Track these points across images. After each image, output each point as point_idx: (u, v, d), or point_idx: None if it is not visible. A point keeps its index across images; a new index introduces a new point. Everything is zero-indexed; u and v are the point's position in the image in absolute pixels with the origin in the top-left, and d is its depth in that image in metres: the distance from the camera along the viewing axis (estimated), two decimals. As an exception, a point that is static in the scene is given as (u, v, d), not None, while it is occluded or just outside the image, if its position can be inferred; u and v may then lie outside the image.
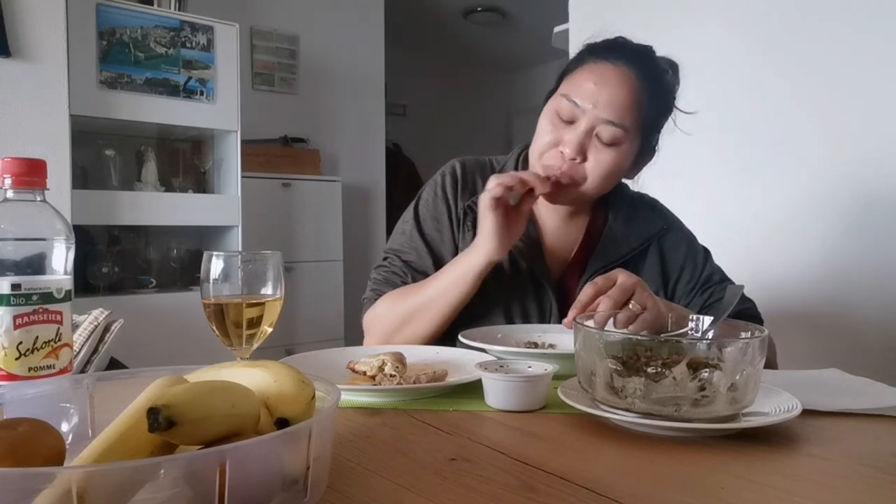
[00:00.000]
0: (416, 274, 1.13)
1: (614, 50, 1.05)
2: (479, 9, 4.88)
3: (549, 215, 1.17)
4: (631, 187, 1.26)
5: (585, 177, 1.05)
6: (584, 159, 1.04)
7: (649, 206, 1.22)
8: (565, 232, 1.17)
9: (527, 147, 1.17)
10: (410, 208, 1.19)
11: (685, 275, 1.16)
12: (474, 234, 1.12)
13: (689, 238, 1.21)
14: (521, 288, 1.12)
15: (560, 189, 1.04)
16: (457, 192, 1.16)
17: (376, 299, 1.12)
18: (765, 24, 1.92)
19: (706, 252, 1.21)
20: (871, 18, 1.68)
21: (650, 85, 1.03)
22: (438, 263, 1.13)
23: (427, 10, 4.93)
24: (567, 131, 1.04)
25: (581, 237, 1.17)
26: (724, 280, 1.18)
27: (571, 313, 0.88)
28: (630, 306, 0.87)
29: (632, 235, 1.14)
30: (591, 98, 1.01)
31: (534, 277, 1.12)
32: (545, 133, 1.06)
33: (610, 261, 1.11)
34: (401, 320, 1.06)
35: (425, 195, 1.19)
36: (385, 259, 1.17)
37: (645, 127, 1.06)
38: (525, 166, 1.18)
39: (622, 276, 0.90)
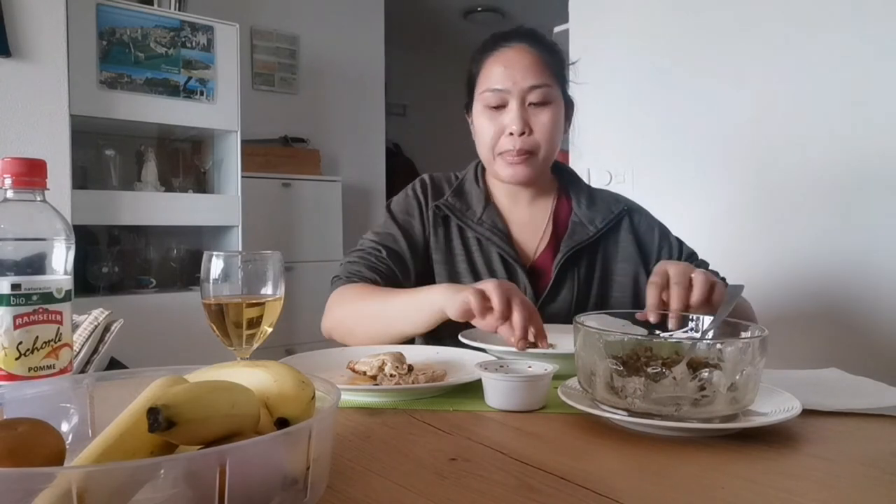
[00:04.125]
0: (391, 253, 1.17)
1: (500, 39, 1.17)
2: (479, 9, 4.88)
3: (511, 205, 1.25)
4: (616, 187, 1.31)
5: (539, 143, 1.15)
6: (531, 130, 1.14)
7: (608, 194, 1.32)
8: (531, 220, 1.25)
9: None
10: (383, 213, 1.26)
11: (664, 254, 1.24)
12: (445, 232, 1.21)
13: (659, 223, 1.29)
14: (494, 274, 1.18)
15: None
16: (427, 195, 1.24)
17: (348, 279, 1.14)
18: (758, 28, 1.92)
19: (679, 238, 1.29)
20: (846, 21, 1.68)
21: (542, 46, 1.16)
22: (412, 245, 1.19)
23: (427, 10, 4.93)
24: (504, 115, 1.14)
25: (548, 225, 1.25)
26: (703, 263, 1.25)
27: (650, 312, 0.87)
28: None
29: (596, 217, 1.23)
30: (508, 78, 1.13)
31: (506, 264, 1.18)
32: (486, 128, 1.16)
33: (580, 241, 1.20)
34: (359, 315, 1.07)
35: (396, 199, 1.28)
36: (362, 243, 1.21)
37: (559, 80, 1.17)
38: (483, 174, 1.28)
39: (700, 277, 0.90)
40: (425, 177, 1.29)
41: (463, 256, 1.19)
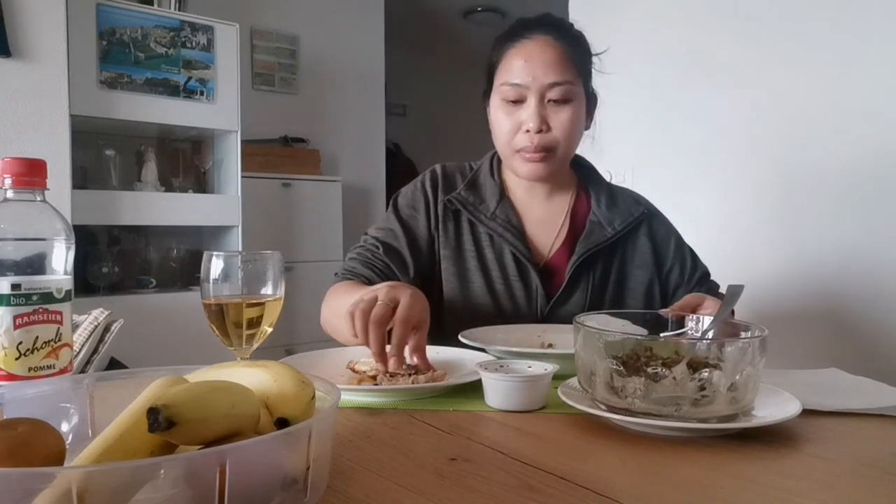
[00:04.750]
0: (388, 249, 1.16)
1: (523, 28, 1.12)
2: (479, 9, 4.88)
3: (527, 200, 1.22)
4: (612, 180, 1.33)
5: (557, 141, 1.11)
6: (549, 128, 1.10)
7: (629, 194, 1.29)
8: (547, 217, 1.22)
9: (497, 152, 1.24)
10: (390, 203, 1.25)
11: (675, 268, 1.23)
12: (455, 227, 1.19)
13: (675, 232, 1.27)
14: (505, 272, 1.16)
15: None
16: (437, 188, 1.22)
17: (343, 276, 1.15)
18: (760, 27, 1.92)
19: (692, 250, 1.27)
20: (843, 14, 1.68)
21: (566, 38, 1.11)
22: (413, 242, 1.17)
23: (427, 10, 4.93)
24: (522, 111, 1.10)
25: (564, 223, 1.22)
26: (714, 286, 1.24)
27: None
28: None
29: (615, 219, 1.19)
30: (528, 73, 1.08)
31: (518, 262, 1.16)
32: (503, 122, 1.13)
33: (596, 243, 1.17)
34: (330, 313, 1.09)
35: (404, 190, 1.25)
36: (364, 238, 1.21)
37: (582, 75, 1.13)
38: (499, 165, 1.24)
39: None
40: (437, 168, 1.25)
41: (473, 253, 1.16)
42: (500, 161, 1.24)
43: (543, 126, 1.09)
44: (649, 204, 1.27)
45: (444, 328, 1.12)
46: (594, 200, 1.22)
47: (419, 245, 1.18)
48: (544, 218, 1.22)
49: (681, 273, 1.22)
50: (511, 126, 1.11)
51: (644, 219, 1.22)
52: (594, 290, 1.16)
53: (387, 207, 1.25)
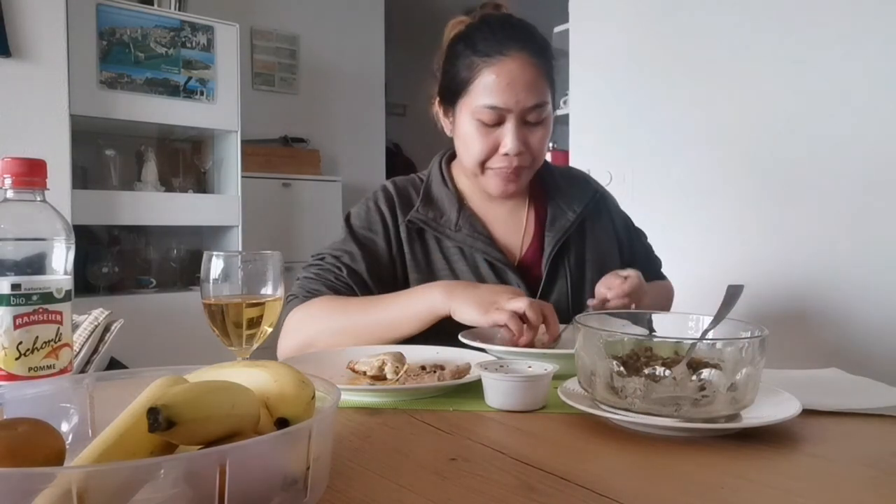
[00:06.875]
0: (351, 273, 1.09)
1: (499, 44, 1.06)
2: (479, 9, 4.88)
3: (488, 203, 1.21)
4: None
5: (532, 160, 1.11)
6: (527, 148, 1.09)
7: (576, 174, 1.33)
8: (509, 215, 1.22)
9: (446, 153, 1.24)
10: (341, 225, 1.19)
11: (625, 245, 1.30)
12: (423, 246, 1.15)
13: (623, 212, 1.35)
14: (482, 280, 1.13)
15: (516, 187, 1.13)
16: (394, 206, 1.16)
17: (307, 297, 1.06)
18: (759, 28, 1.92)
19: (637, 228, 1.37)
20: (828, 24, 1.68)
21: (540, 53, 1.08)
22: (372, 266, 1.11)
23: (427, 10, 4.92)
24: (500, 132, 1.07)
25: (528, 216, 1.23)
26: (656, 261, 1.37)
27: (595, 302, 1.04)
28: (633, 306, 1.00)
29: (573, 201, 1.22)
30: (511, 97, 1.04)
31: (493, 267, 1.14)
32: (476, 142, 1.08)
33: (563, 228, 1.18)
34: (337, 330, 1.01)
35: (355, 211, 1.19)
36: (320, 259, 1.14)
37: (553, 90, 1.12)
38: (449, 171, 1.23)
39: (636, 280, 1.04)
40: (388, 185, 1.20)
41: (446, 269, 1.13)
42: (448, 168, 1.23)
43: (523, 148, 1.08)
44: (595, 182, 1.32)
45: (440, 329, 1.11)
46: (551, 190, 1.23)
47: (379, 267, 1.12)
48: (507, 216, 1.21)
49: (630, 252, 1.30)
50: (488, 147, 1.08)
51: (599, 198, 1.26)
52: (573, 275, 1.18)
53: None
